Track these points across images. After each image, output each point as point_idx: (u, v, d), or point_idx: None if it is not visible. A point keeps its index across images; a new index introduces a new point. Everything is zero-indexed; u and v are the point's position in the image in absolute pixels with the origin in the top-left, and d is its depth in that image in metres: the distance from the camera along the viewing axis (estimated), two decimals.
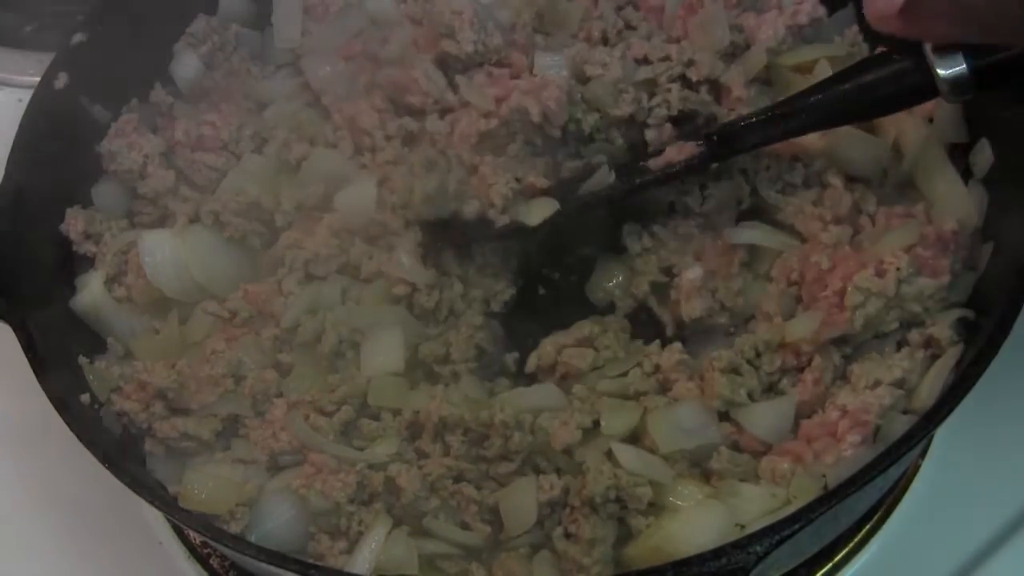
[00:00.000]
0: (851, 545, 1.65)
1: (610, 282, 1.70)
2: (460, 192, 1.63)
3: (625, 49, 1.78)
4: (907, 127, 1.68)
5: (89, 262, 1.72)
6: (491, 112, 1.67)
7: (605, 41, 1.84)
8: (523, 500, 1.42)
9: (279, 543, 1.43)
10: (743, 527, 1.38)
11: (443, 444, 1.48)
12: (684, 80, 1.73)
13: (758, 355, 1.52)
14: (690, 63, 1.74)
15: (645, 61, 1.76)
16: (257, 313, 1.62)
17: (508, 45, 1.79)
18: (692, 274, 1.59)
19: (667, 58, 1.74)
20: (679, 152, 1.62)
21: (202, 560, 1.72)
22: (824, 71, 1.73)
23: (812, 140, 1.69)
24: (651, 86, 1.74)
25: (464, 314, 1.65)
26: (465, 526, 1.44)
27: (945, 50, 1.34)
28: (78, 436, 1.43)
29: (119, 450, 1.53)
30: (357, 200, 1.67)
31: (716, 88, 1.76)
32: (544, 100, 1.65)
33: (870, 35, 1.81)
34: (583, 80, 1.73)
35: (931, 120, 1.70)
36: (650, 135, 1.71)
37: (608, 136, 1.73)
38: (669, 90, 1.71)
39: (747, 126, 1.58)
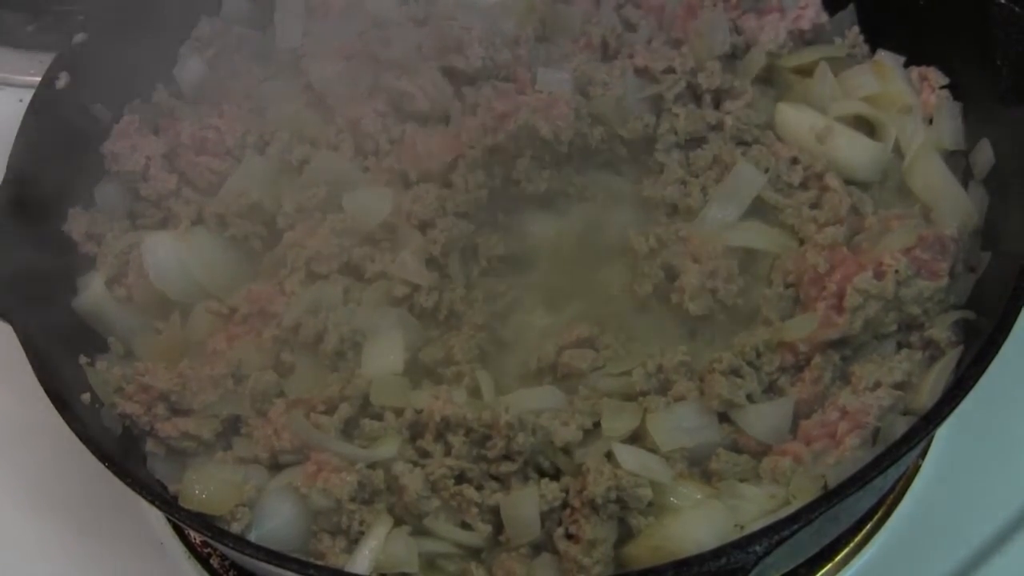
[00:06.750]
0: (851, 545, 1.65)
1: (612, 282, 1.70)
2: None
3: (627, 58, 1.79)
4: (907, 128, 1.68)
5: (91, 262, 1.72)
6: (499, 127, 1.68)
7: (605, 47, 1.85)
8: (526, 512, 1.41)
9: (280, 542, 1.43)
10: (743, 527, 1.38)
11: (445, 444, 1.48)
12: (689, 87, 1.74)
13: (758, 355, 1.52)
14: (696, 71, 1.74)
15: (648, 72, 1.76)
16: (258, 312, 1.62)
17: (514, 60, 1.79)
18: (693, 275, 1.59)
19: (671, 70, 1.74)
20: None
21: (202, 560, 1.72)
22: (824, 73, 1.74)
23: (812, 142, 1.69)
24: (658, 101, 1.75)
25: (465, 315, 1.65)
26: (466, 526, 1.44)
27: None
28: (78, 436, 1.43)
29: (119, 450, 1.52)
30: (370, 205, 1.67)
31: (718, 93, 1.77)
32: (553, 118, 1.66)
33: (871, 37, 1.82)
34: (587, 95, 1.74)
35: (931, 122, 1.70)
36: (660, 157, 1.73)
37: (612, 147, 1.74)
38: (677, 116, 1.73)
39: None
